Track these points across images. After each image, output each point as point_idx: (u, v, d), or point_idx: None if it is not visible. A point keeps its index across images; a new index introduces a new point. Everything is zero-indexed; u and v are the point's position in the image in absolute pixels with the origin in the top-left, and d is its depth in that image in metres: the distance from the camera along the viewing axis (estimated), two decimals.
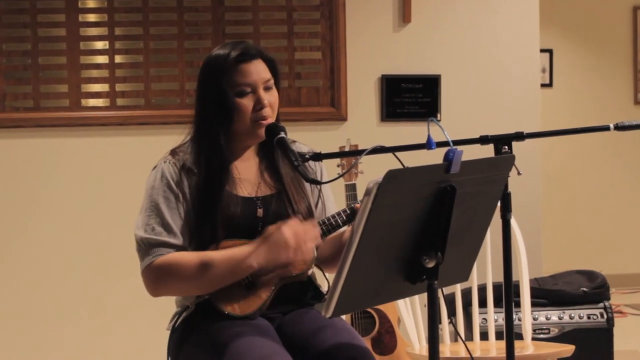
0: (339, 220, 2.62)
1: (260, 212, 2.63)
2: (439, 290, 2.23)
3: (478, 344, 3.62)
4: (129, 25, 4.89)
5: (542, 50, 5.31)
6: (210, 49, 4.62)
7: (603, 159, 7.96)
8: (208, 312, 2.57)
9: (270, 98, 2.62)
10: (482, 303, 3.66)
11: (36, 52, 4.85)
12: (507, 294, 2.71)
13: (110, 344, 4.86)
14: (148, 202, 2.59)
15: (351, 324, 4.23)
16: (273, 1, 4.94)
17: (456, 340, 3.96)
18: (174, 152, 2.65)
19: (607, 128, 2.67)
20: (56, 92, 4.85)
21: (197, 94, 2.66)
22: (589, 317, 4.35)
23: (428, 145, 2.42)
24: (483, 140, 2.65)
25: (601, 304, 4.39)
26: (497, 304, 3.67)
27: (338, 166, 4.11)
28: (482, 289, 3.66)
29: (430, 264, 2.18)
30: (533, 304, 4.04)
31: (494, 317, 3.65)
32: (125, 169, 4.84)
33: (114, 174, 4.87)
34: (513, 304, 2.73)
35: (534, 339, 3.79)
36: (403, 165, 2.24)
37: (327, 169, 2.83)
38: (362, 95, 4.99)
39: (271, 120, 2.62)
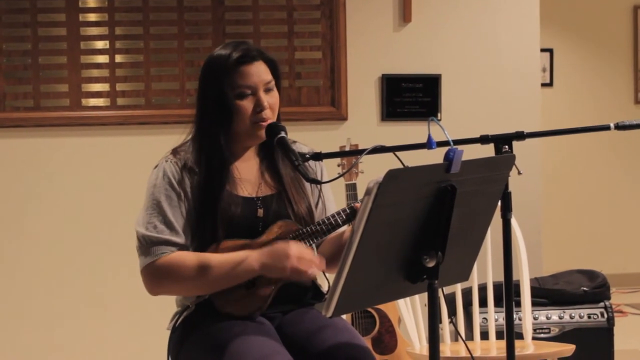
0: (338, 220, 2.62)
1: (260, 212, 2.63)
2: (440, 290, 2.23)
3: (478, 344, 3.61)
4: (129, 25, 4.89)
5: (542, 50, 5.30)
6: (210, 49, 4.66)
7: (603, 158, 7.95)
8: (208, 312, 2.57)
9: (271, 100, 2.62)
10: (483, 302, 3.66)
11: (36, 52, 4.84)
12: (507, 294, 2.70)
13: (110, 343, 4.86)
14: (150, 200, 2.59)
15: (351, 324, 4.23)
16: (273, 1, 4.94)
17: (456, 340, 3.96)
18: (175, 152, 2.65)
19: (607, 127, 2.67)
20: (56, 92, 4.85)
21: (198, 94, 2.67)
22: (589, 317, 4.35)
23: (428, 144, 2.42)
24: (483, 139, 2.64)
25: (601, 304, 4.39)
26: (497, 303, 3.67)
27: (338, 166, 4.11)
28: (482, 289, 3.65)
29: (431, 264, 2.18)
30: (533, 304, 4.04)
31: (495, 317, 3.64)
32: (126, 168, 4.83)
33: (114, 173, 4.87)
34: (513, 303, 2.72)
35: (534, 338, 3.79)
36: (403, 165, 2.24)
37: (328, 169, 2.83)
38: (362, 94, 4.99)
39: (271, 121, 2.62)
